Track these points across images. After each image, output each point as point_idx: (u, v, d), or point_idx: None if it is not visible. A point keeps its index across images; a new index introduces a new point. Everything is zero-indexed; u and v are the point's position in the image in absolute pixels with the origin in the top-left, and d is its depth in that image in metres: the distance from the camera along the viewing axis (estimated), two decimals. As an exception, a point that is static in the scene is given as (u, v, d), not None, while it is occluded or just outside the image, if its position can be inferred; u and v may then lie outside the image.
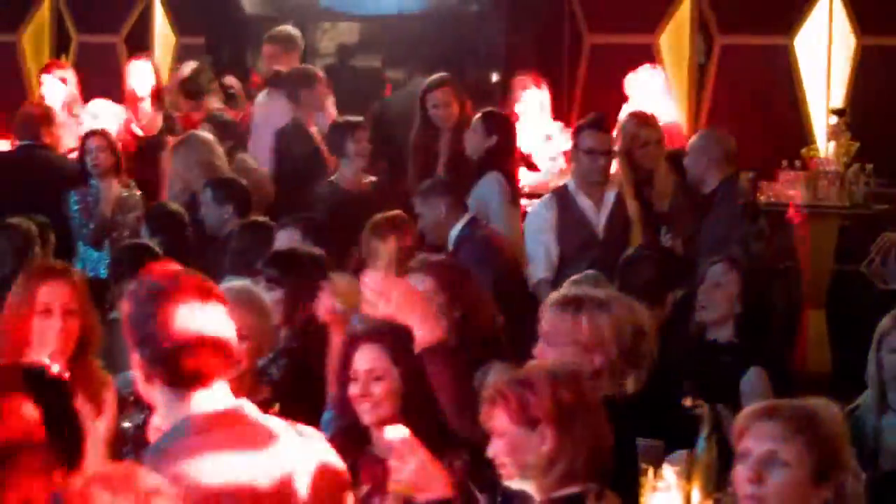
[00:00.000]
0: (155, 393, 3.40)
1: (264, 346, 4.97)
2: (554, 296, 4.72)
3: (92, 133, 8.96)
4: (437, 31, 10.69)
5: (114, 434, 4.69)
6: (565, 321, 4.52)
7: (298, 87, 9.54)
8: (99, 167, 8.70)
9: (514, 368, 3.96)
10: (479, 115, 8.59)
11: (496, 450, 3.75)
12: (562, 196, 7.89)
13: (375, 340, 4.45)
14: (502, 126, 8.64)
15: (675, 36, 10.90)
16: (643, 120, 8.51)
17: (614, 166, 8.06)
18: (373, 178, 8.75)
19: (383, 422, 4.29)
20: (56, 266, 5.10)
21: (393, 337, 4.42)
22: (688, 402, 4.85)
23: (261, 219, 7.53)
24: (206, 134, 8.91)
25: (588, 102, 10.47)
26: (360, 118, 9.00)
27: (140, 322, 3.37)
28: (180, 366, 3.34)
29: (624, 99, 9.75)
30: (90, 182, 8.75)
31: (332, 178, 8.70)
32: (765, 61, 10.59)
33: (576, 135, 8.03)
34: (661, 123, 8.64)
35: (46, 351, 4.73)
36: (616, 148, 8.19)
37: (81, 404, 3.45)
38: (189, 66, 10.53)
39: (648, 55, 10.83)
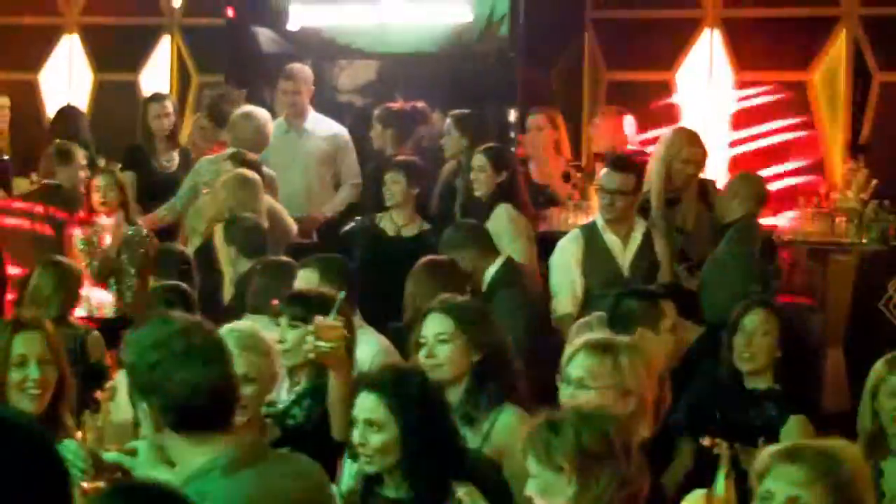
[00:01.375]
0: (165, 439, 3.44)
1: (268, 389, 4.96)
2: (584, 341, 4.57)
3: (99, 171, 8.95)
4: (455, 68, 10.70)
5: None
6: (604, 365, 4.42)
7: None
8: (106, 205, 8.68)
9: (544, 411, 3.90)
10: (481, 152, 8.46)
11: (530, 490, 3.73)
12: (589, 232, 7.85)
13: (375, 388, 4.27)
14: (510, 161, 8.60)
15: (694, 72, 10.94)
16: (692, 138, 8.46)
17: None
18: (425, 224, 8.56)
19: (382, 471, 4.23)
20: (29, 317, 4.98)
21: (395, 386, 4.27)
22: (707, 441, 4.84)
23: (284, 259, 7.37)
24: (254, 175, 8.55)
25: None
26: (407, 159, 8.86)
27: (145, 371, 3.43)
28: (190, 412, 3.38)
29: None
30: (95, 220, 8.70)
31: (377, 216, 8.61)
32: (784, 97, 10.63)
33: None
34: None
35: (24, 402, 4.65)
36: (656, 158, 8.21)
37: None
38: (215, 91, 10.53)
39: (666, 91, 10.87)
